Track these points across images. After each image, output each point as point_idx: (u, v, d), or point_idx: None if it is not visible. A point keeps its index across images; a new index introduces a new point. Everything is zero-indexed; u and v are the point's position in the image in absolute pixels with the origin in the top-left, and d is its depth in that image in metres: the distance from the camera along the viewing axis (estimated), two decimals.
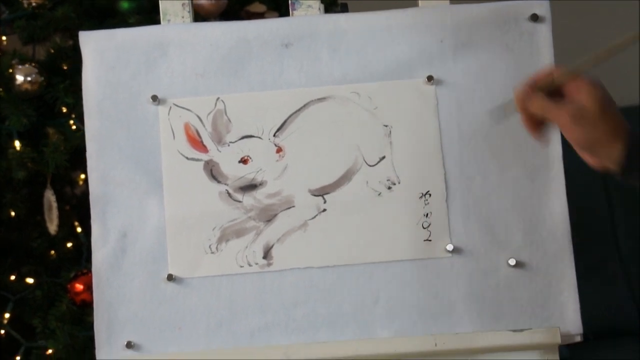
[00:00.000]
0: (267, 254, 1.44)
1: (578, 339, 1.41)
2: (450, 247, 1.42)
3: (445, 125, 1.45)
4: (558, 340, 1.38)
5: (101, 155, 1.45)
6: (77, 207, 2.05)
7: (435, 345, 1.39)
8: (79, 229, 2.02)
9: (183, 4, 1.48)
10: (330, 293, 1.43)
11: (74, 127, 1.94)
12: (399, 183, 1.44)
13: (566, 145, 1.42)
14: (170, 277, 1.43)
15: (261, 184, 1.45)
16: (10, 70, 1.92)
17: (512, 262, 1.42)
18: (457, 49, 1.45)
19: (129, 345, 1.42)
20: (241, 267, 1.43)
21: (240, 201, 1.44)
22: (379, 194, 1.44)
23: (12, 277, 1.99)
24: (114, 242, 1.44)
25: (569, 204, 1.43)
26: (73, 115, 1.95)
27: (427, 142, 1.44)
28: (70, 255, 2.01)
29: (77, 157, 1.90)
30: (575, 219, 1.44)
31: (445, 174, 1.44)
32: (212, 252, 1.43)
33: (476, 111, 1.44)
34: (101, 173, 1.45)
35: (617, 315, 2.38)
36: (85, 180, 1.51)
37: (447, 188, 1.44)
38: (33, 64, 1.93)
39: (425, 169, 1.44)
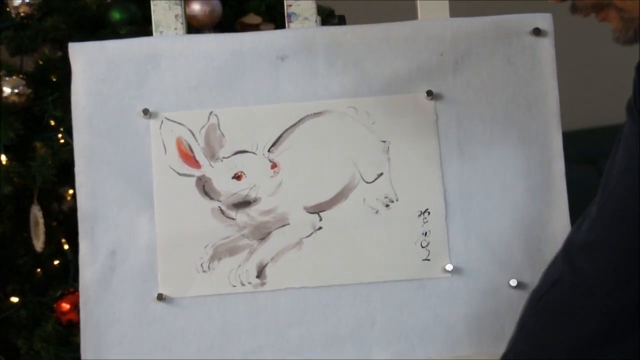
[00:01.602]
0: (260, 273, 1.44)
1: None
2: (449, 267, 1.43)
3: (445, 141, 1.45)
4: None
5: (90, 170, 1.45)
6: (65, 223, 2.05)
7: None
8: (66, 246, 2.02)
9: (176, 15, 1.49)
10: (326, 314, 1.43)
11: (62, 141, 1.94)
12: (397, 200, 1.45)
13: (568, 161, 1.44)
14: (160, 297, 1.43)
15: (255, 200, 1.45)
16: None
17: (514, 282, 1.42)
18: (458, 63, 1.46)
19: None
20: (234, 286, 1.44)
21: (233, 218, 1.45)
22: (377, 212, 1.44)
23: None
24: (103, 260, 1.44)
25: (572, 222, 1.44)
26: (61, 129, 1.95)
27: (426, 158, 1.45)
28: (56, 273, 2.01)
29: (65, 172, 1.90)
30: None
31: (444, 192, 1.44)
32: (204, 271, 1.44)
33: (477, 127, 1.45)
34: (90, 189, 1.45)
35: None
36: (74, 196, 1.51)
37: (446, 206, 1.44)
38: (21, 76, 1.94)
39: (424, 186, 1.44)
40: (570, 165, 1.46)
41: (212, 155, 1.46)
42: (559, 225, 1.43)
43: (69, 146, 1.89)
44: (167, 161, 1.46)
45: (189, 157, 1.46)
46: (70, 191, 2.06)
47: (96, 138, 1.46)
